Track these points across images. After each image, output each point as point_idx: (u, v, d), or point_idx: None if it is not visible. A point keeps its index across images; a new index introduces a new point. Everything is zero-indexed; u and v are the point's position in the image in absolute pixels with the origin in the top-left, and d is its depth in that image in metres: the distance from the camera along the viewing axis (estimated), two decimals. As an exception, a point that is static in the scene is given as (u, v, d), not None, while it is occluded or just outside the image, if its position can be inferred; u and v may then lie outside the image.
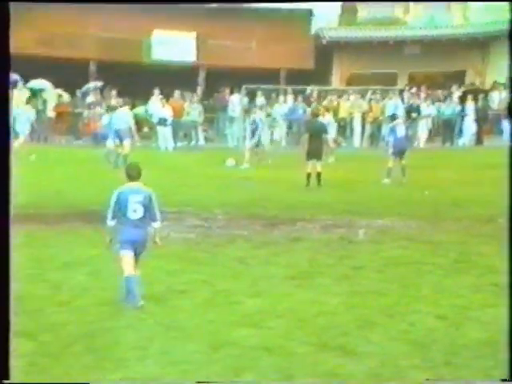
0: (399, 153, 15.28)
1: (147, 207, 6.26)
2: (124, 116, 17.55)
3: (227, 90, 25.19)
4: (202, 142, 23.93)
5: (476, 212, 11.26)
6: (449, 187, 14.13)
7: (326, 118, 18.89)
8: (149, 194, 6.31)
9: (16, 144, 18.06)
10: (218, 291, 6.74)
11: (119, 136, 17.14)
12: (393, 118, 16.60)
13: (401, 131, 15.65)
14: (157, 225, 6.40)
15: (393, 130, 15.86)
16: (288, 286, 7.04)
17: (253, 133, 18.30)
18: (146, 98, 23.26)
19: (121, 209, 6.19)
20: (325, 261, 8.11)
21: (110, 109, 18.86)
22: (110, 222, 6.26)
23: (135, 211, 6.19)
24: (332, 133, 19.36)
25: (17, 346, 5.14)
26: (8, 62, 4.77)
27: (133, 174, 6.37)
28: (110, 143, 17.42)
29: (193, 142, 23.78)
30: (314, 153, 14.18)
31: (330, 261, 8.12)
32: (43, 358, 5.03)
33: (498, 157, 18.20)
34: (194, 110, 23.66)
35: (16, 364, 4.82)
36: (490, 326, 5.76)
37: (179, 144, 22.94)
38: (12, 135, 18.83)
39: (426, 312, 6.16)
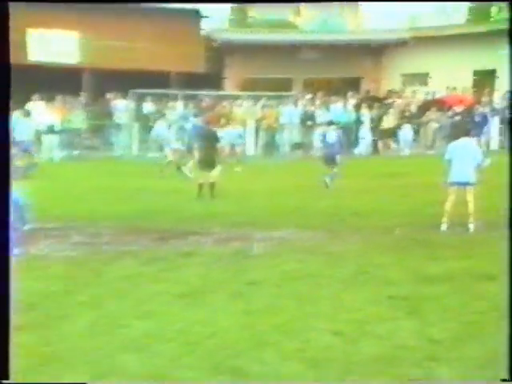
0: (330, 160, 15.63)
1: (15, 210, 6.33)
2: (27, 126, 17.25)
3: (113, 95, 24.83)
4: (83, 151, 23.42)
5: (374, 222, 11.55)
6: (347, 196, 14.46)
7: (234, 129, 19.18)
8: (16, 198, 6.33)
9: None
10: (102, 314, 6.59)
11: (24, 148, 16.88)
12: (330, 123, 16.91)
13: (331, 137, 15.95)
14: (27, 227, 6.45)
15: (323, 136, 16.21)
16: (178, 305, 6.98)
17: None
18: (23, 104, 22.56)
19: None
20: (218, 277, 8.10)
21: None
22: None
23: None
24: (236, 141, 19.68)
25: None
26: (8, 61, 4.99)
27: None
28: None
29: (75, 152, 23.25)
30: (206, 162, 14.24)
31: (224, 276, 8.11)
32: None
33: (394, 166, 18.97)
34: (76, 117, 23.16)
35: None
36: (386, 340, 5.91)
37: (61, 154, 22.38)
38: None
39: (322, 328, 6.24)
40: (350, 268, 8.49)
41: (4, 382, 4.54)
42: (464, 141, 11.22)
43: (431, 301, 7.02)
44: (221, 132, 17.63)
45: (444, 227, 10.85)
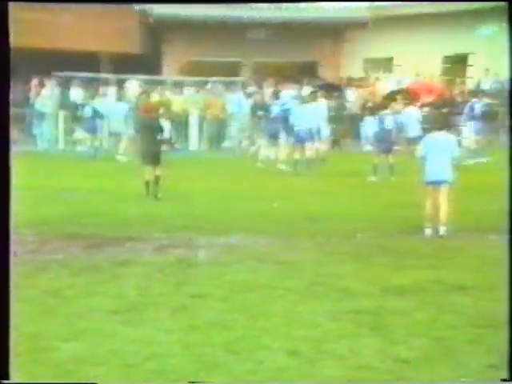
0: (386, 148, 16.91)
1: None
2: None
3: (34, 80, 24.48)
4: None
5: (332, 227, 11.67)
6: (302, 198, 14.58)
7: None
8: None
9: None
10: (24, 335, 6.49)
11: None
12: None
13: (389, 123, 17.10)
14: None
15: (381, 122, 17.28)
16: (113, 322, 6.96)
17: None
18: None
19: None
20: (159, 289, 8.13)
21: None
22: None
23: None
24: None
25: None
26: (8, 61, 5.20)
27: None
28: None
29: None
30: (150, 156, 14.23)
31: (165, 288, 8.14)
32: None
33: (357, 163, 19.13)
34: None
35: None
36: (347, 360, 5.99)
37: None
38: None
39: (275, 347, 6.28)
40: (306, 278, 8.57)
41: (4, 382, 4.80)
42: (439, 135, 11.39)
43: (398, 315, 7.13)
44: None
45: (428, 232, 10.96)
